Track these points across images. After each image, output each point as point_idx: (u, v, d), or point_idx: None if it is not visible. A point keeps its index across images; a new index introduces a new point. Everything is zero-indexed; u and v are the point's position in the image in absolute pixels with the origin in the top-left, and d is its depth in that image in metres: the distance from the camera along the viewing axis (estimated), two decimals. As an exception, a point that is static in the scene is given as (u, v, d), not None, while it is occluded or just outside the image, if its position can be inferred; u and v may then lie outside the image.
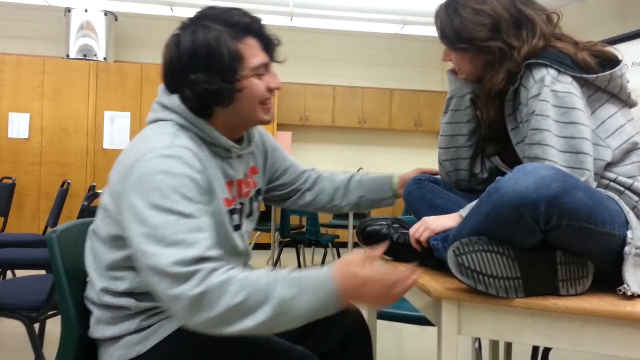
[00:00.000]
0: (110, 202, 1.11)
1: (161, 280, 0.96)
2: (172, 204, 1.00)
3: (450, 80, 1.34)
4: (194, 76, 1.11)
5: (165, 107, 1.17)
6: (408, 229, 1.24)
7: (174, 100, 1.15)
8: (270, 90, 1.19)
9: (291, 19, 6.42)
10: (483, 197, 1.01)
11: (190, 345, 1.11)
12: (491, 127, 1.25)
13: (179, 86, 1.14)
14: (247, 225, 1.30)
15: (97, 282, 1.14)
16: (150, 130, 1.16)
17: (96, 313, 1.15)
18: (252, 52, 1.15)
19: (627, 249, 0.99)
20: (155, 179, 1.02)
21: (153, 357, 1.11)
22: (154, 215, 0.99)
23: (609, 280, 1.02)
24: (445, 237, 1.15)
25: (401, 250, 1.25)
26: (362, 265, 0.98)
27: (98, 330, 1.15)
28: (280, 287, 0.96)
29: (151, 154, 1.05)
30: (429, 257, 1.17)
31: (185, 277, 0.94)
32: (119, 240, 1.09)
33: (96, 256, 1.16)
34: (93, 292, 1.16)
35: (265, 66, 1.18)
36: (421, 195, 1.33)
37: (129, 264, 1.10)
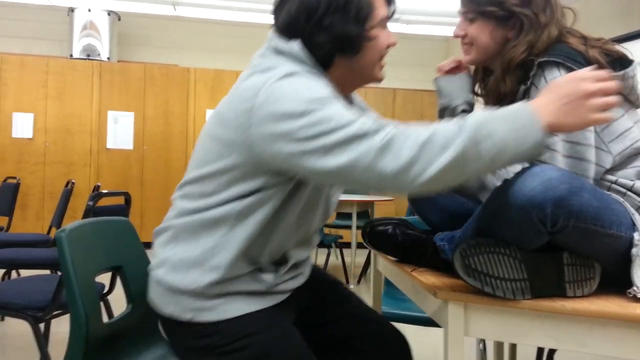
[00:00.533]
0: (226, 132, 1.05)
1: (345, 145, 0.93)
2: (323, 103, 0.97)
3: (439, 91, 1.34)
4: (330, 19, 1.07)
5: (281, 52, 1.10)
6: (413, 230, 1.24)
7: (294, 46, 1.09)
8: (388, 46, 1.16)
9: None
10: (490, 198, 1.01)
11: (235, 342, 1.08)
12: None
13: (310, 31, 1.08)
14: (336, 191, 1.26)
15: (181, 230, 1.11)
16: (259, 68, 1.08)
17: (163, 252, 1.13)
18: (380, 3, 1.13)
19: (634, 250, 0.99)
20: (295, 90, 0.99)
21: (201, 333, 1.09)
22: (308, 118, 0.95)
23: (616, 282, 1.02)
24: (451, 238, 1.15)
25: (407, 252, 1.25)
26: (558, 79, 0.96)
27: (159, 269, 1.12)
28: (472, 117, 0.93)
29: (275, 77, 1.01)
30: (435, 257, 1.17)
31: (373, 132, 0.93)
32: (226, 174, 1.06)
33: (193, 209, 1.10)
34: (169, 236, 1.13)
35: (386, 20, 1.16)
36: (426, 196, 1.33)
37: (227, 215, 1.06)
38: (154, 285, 1.14)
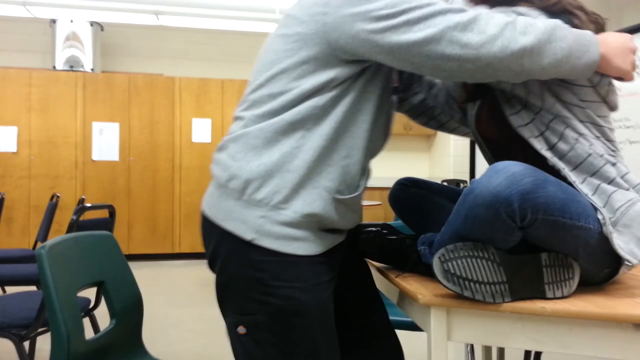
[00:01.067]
0: (297, 27, 1.06)
1: (432, 18, 0.97)
2: None
3: None
4: None
5: None
6: (397, 235, 1.24)
7: None
8: None
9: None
10: (460, 200, 1.02)
11: (281, 289, 1.04)
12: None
13: None
14: (394, 102, 1.24)
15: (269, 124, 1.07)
16: None
17: (234, 162, 1.08)
18: None
19: (605, 229, 1.00)
20: None
21: (254, 264, 1.04)
22: None
23: (595, 281, 1.03)
24: (431, 242, 1.15)
25: (390, 258, 1.25)
26: None
27: (233, 180, 1.07)
28: (552, 19, 1.02)
29: None
30: (418, 263, 1.17)
31: (458, 9, 0.98)
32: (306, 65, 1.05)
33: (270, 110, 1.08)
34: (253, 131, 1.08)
35: None
36: (407, 199, 1.33)
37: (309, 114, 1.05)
38: (221, 197, 1.09)
